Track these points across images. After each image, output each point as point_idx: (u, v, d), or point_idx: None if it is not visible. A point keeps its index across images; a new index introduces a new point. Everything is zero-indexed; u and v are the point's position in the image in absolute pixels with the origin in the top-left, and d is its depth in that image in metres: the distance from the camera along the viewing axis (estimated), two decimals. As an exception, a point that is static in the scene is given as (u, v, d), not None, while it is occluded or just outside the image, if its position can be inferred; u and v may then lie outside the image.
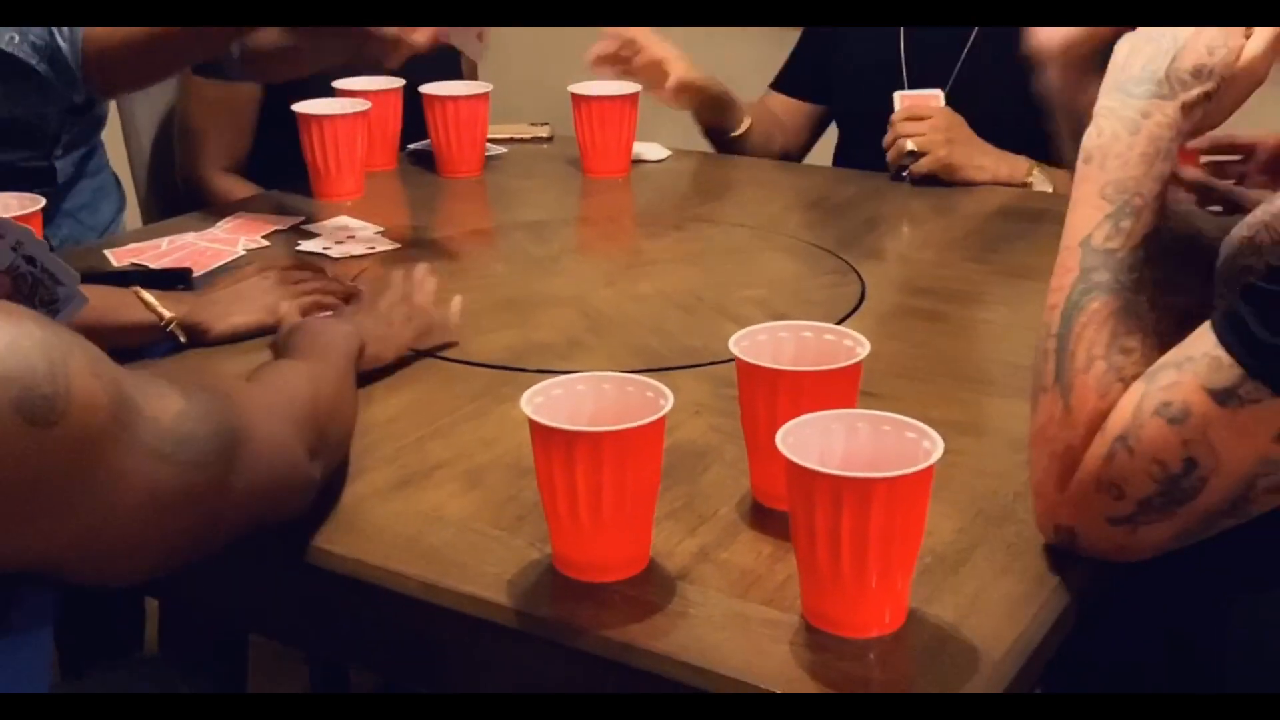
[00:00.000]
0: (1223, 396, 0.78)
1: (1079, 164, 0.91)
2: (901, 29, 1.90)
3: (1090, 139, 0.90)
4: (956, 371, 1.18)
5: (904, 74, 1.87)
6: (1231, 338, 0.79)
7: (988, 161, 1.72)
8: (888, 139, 1.74)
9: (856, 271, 1.42)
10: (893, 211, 1.66)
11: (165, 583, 1.01)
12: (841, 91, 1.98)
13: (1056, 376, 0.86)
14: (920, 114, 1.74)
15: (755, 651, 0.79)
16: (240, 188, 1.94)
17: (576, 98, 1.77)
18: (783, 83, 2.04)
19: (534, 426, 0.83)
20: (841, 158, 2.01)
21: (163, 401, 0.75)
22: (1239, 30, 0.90)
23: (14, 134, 1.63)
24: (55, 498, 0.68)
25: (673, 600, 0.84)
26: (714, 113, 1.92)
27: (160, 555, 0.78)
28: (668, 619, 0.82)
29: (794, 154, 2.04)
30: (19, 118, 1.62)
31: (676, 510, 0.93)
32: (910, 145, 1.71)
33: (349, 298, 1.28)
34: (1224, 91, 0.90)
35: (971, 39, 1.85)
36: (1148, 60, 0.90)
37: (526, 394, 0.85)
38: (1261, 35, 0.90)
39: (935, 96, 1.80)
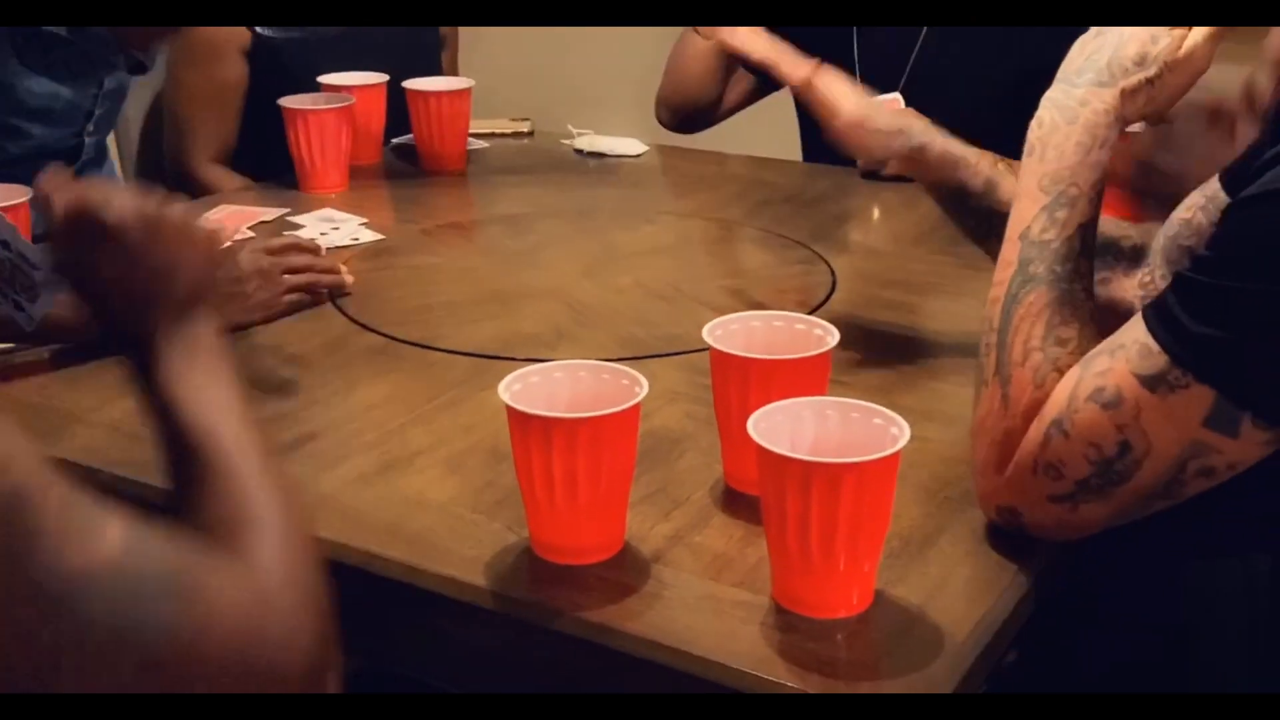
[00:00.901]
0: (1152, 382, 0.79)
1: (1024, 156, 0.91)
2: (855, 30, 1.89)
3: (1033, 131, 0.90)
4: (923, 360, 1.19)
5: (856, 70, 1.87)
6: (1158, 325, 0.80)
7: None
8: None
9: (827, 263, 1.42)
10: (863, 206, 1.66)
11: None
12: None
13: (996, 370, 0.87)
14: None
15: (727, 632, 0.79)
16: (228, 179, 1.93)
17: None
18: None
19: (511, 413, 0.83)
20: (808, 148, 2.00)
21: (78, 546, 0.56)
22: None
23: (58, 111, 1.63)
24: None
25: (647, 582, 0.84)
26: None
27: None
28: (642, 601, 0.82)
29: (711, 112, 1.99)
30: (64, 94, 1.60)
31: (651, 495, 0.94)
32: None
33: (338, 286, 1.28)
34: (1166, 79, 0.90)
35: (922, 37, 1.84)
36: (1093, 52, 0.91)
37: (504, 381, 0.85)
38: (1202, 30, 0.90)
39: (896, 100, 1.79)
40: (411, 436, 1.03)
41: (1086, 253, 0.88)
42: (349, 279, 1.33)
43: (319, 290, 1.31)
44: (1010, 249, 0.89)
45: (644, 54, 2.38)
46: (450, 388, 1.12)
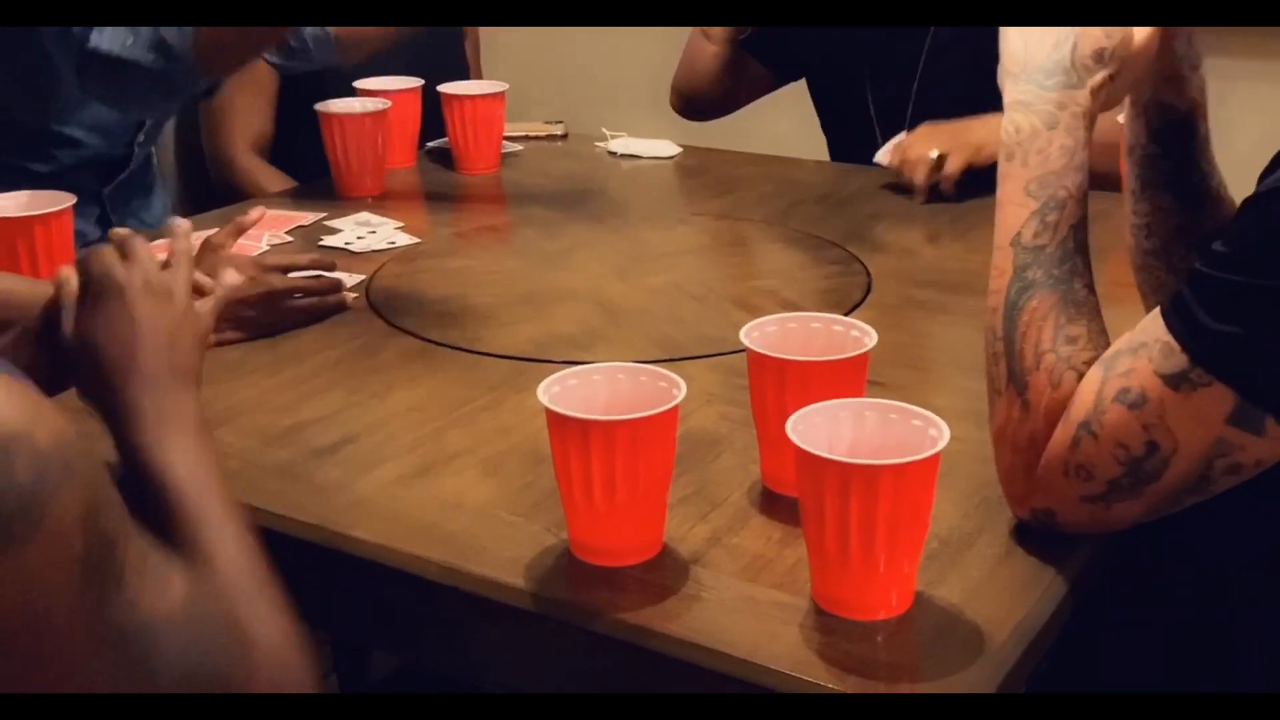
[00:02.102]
0: (1175, 381, 0.78)
1: (1000, 161, 0.90)
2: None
3: (1008, 134, 0.89)
4: (961, 361, 1.17)
5: (867, 77, 1.86)
6: (1177, 324, 0.79)
7: (988, 128, 1.63)
8: (906, 172, 1.67)
9: (863, 264, 1.42)
10: (897, 205, 1.65)
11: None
12: (815, 81, 1.97)
13: (1009, 379, 0.86)
14: (912, 141, 1.69)
15: (766, 633, 0.79)
16: (265, 172, 1.94)
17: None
18: (752, 45, 1.96)
19: (550, 415, 0.83)
20: (834, 148, 2.00)
21: (156, 593, 0.60)
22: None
23: (113, 122, 1.64)
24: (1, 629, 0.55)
25: (685, 584, 0.83)
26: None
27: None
28: (681, 602, 0.82)
29: (722, 102, 2.00)
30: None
31: (689, 496, 0.93)
32: (934, 152, 1.64)
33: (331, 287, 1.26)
34: (1123, 73, 0.90)
35: (930, 38, 1.82)
36: (1050, 48, 0.89)
37: (543, 384, 0.85)
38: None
39: (909, 136, 1.76)
40: (449, 439, 1.03)
41: (1081, 251, 0.88)
42: (350, 297, 1.30)
43: (322, 311, 1.28)
44: (1002, 257, 0.88)
45: (677, 56, 2.38)
46: (487, 390, 1.12)
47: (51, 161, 1.61)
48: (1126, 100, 1.02)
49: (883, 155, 1.72)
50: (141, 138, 1.71)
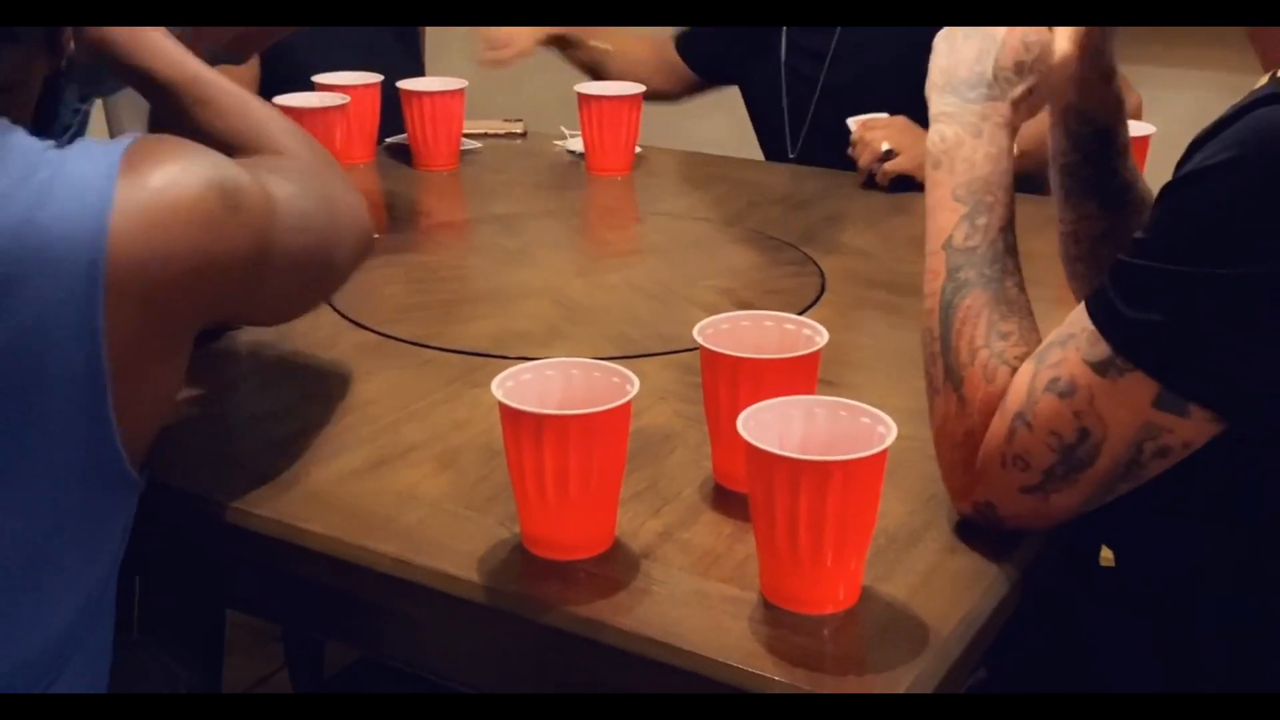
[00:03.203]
0: (1102, 368, 0.80)
1: (928, 169, 0.92)
2: (784, 31, 1.91)
3: (935, 144, 0.92)
4: (911, 361, 1.17)
5: (782, 63, 1.90)
6: (1098, 313, 0.80)
7: None
8: (855, 149, 1.72)
9: (817, 264, 1.42)
10: (853, 208, 1.66)
11: (148, 562, 1.00)
12: (747, 84, 2.01)
13: (946, 375, 0.88)
14: (878, 124, 1.73)
15: (715, 627, 0.79)
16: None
17: (583, 97, 1.76)
18: (685, 49, 2.03)
19: (504, 410, 0.83)
20: (764, 150, 2.03)
21: (280, 189, 0.87)
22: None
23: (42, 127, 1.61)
24: (253, 269, 0.83)
25: (637, 578, 0.83)
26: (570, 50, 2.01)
27: (303, 299, 0.98)
28: (632, 596, 0.82)
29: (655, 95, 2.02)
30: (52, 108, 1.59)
31: (641, 492, 0.93)
32: (885, 145, 1.68)
33: None
34: (1042, 86, 0.93)
35: (836, 36, 1.86)
36: (973, 60, 0.92)
37: (497, 378, 0.84)
38: (1064, 34, 0.94)
39: (886, 118, 1.79)
40: (405, 432, 1.03)
41: (1011, 252, 0.90)
42: None
43: None
44: (935, 260, 0.90)
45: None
46: (443, 385, 1.11)
47: None
48: None
49: (853, 122, 1.75)
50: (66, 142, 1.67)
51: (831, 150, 1.79)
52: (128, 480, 0.82)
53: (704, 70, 2.04)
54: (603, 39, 2.00)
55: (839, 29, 1.86)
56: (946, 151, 0.91)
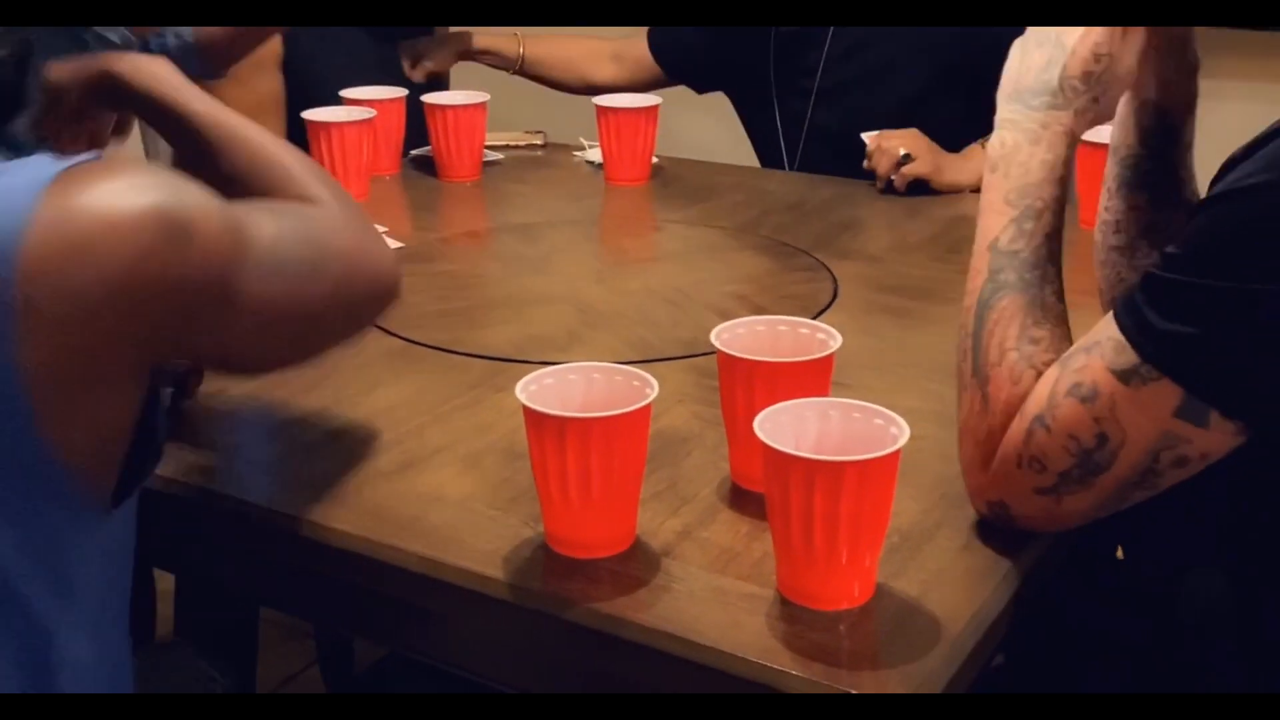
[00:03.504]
0: (1125, 376, 0.80)
1: (985, 173, 0.93)
2: (772, 30, 1.91)
3: (994, 149, 0.93)
4: (922, 363, 1.19)
5: (772, 73, 1.91)
6: (1128, 322, 0.81)
7: (968, 169, 1.72)
8: (873, 158, 1.73)
9: (830, 270, 1.44)
10: (865, 215, 1.67)
11: (185, 562, 1.02)
12: (731, 94, 2.02)
13: (974, 372, 0.88)
14: (893, 134, 1.75)
15: (733, 623, 0.80)
16: None
17: (601, 109, 1.77)
18: (656, 44, 2.02)
19: (528, 413, 0.84)
20: (760, 157, 2.04)
21: (260, 228, 0.79)
22: (1118, 31, 0.93)
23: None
24: (201, 307, 0.74)
25: (656, 575, 0.85)
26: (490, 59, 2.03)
27: (291, 349, 0.87)
28: (652, 593, 0.83)
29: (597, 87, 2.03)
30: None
31: (660, 492, 0.95)
32: (902, 150, 1.70)
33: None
34: (1106, 98, 0.94)
35: (829, 36, 1.86)
36: (1040, 70, 0.93)
37: (521, 382, 0.86)
38: (1132, 46, 0.94)
39: (899, 131, 1.80)
40: (430, 436, 1.04)
41: (1054, 260, 0.90)
42: None
43: None
44: (980, 259, 0.91)
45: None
46: (467, 389, 1.13)
47: None
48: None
49: (868, 136, 1.76)
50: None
51: (830, 160, 1.80)
52: (83, 506, 0.76)
53: (674, 69, 2.03)
54: (521, 43, 2.03)
55: (829, 37, 1.86)
56: (1004, 156, 0.92)
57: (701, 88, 2.08)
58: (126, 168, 0.72)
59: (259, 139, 0.92)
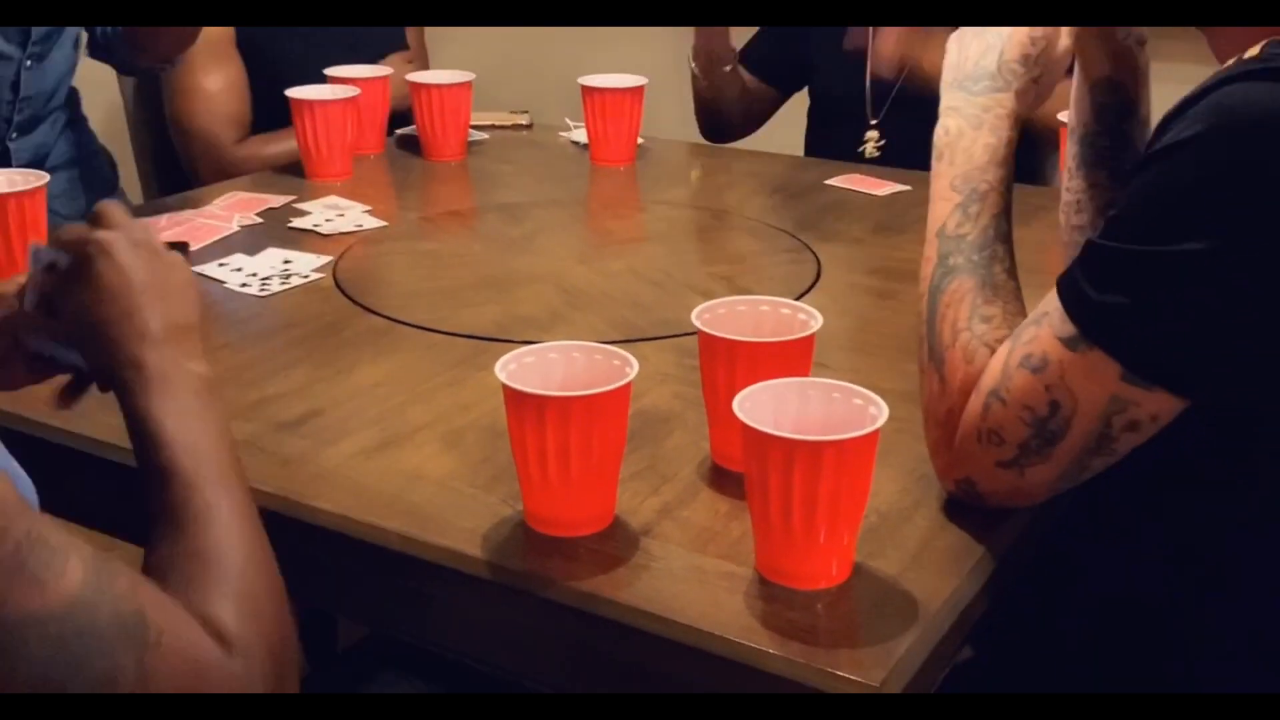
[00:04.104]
0: (1071, 343, 0.80)
1: (933, 162, 0.94)
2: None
3: (939, 138, 0.94)
4: (904, 345, 1.18)
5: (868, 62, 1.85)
6: (1066, 294, 0.81)
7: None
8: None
9: (813, 251, 1.43)
10: (848, 197, 1.66)
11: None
12: (818, 77, 1.96)
13: (930, 356, 0.89)
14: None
15: (712, 602, 0.79)
16: (259, 144, 1.91)
17: (586, 90, 1.75)
18: (749, 60, 1.99)
19: (507, 391, 0.83)
20: (812, 144, 1.99)
21: (30, 590, 0.56)
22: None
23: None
24: None
25: (636, 554, 0.84)
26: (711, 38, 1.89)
27: None
28: (631, 571, 0.83)
29: (740, 126, 2.00)
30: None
31: (641, 471, 0.94)
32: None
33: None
34: (1045, 77, 0.94)
35: None
36: (979, 56, 0.94)
37: (501, 361, 0.85)
38: (1067, 28, 0.94)
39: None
40: (411, 414, 1.03)
41: (1002, 239, 0.90)
42: None
43: None
44: (929, 247, 0.91)
45: (641, 49, 2.38)
46: (449, 368, 1.12)
47: None
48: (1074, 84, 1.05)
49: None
50: (14, 134, 1.66)
51: (907, 150, 1.77)
52: None
53: (778, 81, 1.98)
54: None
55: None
56: (949, 144, 0.93)
57: (789, 89, 2.02)
58: None
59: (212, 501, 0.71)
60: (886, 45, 1.67)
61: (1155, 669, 0.91)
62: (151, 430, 0.73)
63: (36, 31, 1.61)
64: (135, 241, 0.79)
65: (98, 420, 0.96)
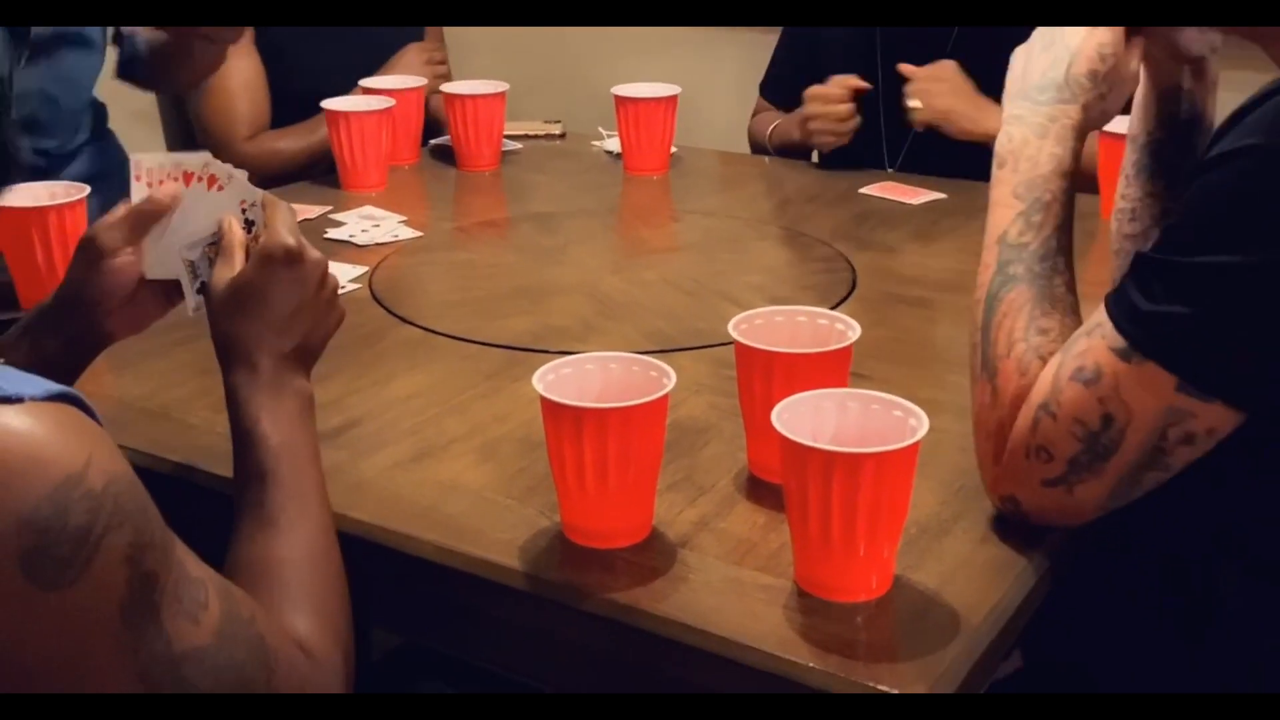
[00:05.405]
0: (1125, 354, 0.79)
1: (994, 169, 0.92)
2: (878, 32, 1.86)
3: (1002, 145, 0.92)
4: (941, 355, 1.18)
5: (879, 74, 1.84)
6: (1116, 307, 0.80)
7: (990, 115, 1.65)
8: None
9: (848, 261, 1.42)
10: (881, 206, 1.65)
11: (198, 550, 1.01)
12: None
13: (983, 365, 0.87)
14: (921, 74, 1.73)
15: (749, 614, 0.79)
16: (273, 138, 1.92)
17: (620, 99, 1.75)
18: (769, 89, 2.00)
19: (545, 403, 0.83)
20: (823, 159, 1.98)
21: (189, 625, 0.61)
22: (1121, 31, 0.92)
23: (48, 120, 1.62)
24: (42, 667, 0.57)
25: (673, 566, 0.83)
26: None
27: None
28: (669, 583, 0.82)
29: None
30: (59, 100, 1.60)
31: (678, 482, 0.93)
32: (911, 102, 1.69)
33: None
34: (1113, 94, 0.93)
35: (952, 40, 1.82)
36: (1046, 68, 0.93)
37: (538, 372, 0.85)
38: (1135, 49, 0.93)
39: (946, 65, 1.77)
40: (447, 425, 1.03)
41: (1063, 252, 0.89)
42: None
43: None
44: (989, 254, 0.90)
45: (672, 57, 2.38)
46: (484, 379, 1.12)
47: None
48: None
49: (905, 68, 1.76)
50: (83, 137, 1.67)
51: (935, 160, 1.76)
52: None
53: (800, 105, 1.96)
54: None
55: (952, 39, 1.79)
56: (1012, 151, 0.91)
57: None
58: (32, 449, 0.55)
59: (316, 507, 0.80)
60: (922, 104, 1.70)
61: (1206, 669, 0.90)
62: (253, 429, 0.81)
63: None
64: (325, 270, 0.88)
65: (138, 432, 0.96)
